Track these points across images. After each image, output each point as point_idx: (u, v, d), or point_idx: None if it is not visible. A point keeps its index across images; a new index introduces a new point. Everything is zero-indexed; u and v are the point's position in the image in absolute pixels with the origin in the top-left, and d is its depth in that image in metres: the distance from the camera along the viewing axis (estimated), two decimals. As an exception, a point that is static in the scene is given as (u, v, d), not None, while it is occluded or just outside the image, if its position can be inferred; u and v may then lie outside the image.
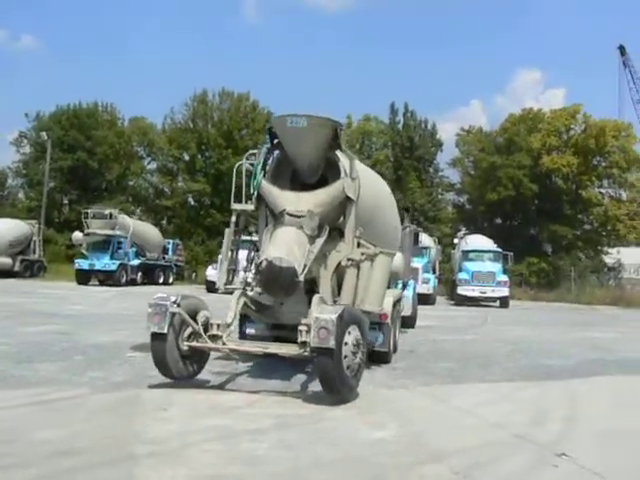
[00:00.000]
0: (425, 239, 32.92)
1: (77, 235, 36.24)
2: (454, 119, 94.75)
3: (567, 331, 18.65)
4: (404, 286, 15.11)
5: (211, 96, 52.85)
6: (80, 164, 51.49)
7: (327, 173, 9.47)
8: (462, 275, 31.67)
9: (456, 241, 37.07)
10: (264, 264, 8.60)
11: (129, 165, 55.39)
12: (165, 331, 8.00)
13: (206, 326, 8.37)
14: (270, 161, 9.64)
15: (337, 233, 9.48)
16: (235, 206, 9.95)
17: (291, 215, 8.98)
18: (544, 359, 12.26)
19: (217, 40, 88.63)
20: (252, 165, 9.67)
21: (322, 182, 9.37)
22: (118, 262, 34.84)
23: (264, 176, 9.48)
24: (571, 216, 49.35)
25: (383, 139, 54.70)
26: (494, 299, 31.30)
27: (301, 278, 8.49)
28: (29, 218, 42.30)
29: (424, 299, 27.28)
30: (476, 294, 30.88)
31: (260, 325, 10.23)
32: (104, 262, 34.49)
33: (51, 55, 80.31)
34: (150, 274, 38.14)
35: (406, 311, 15.18)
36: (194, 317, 8.31)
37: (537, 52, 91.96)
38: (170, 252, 41.60)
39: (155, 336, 8.09)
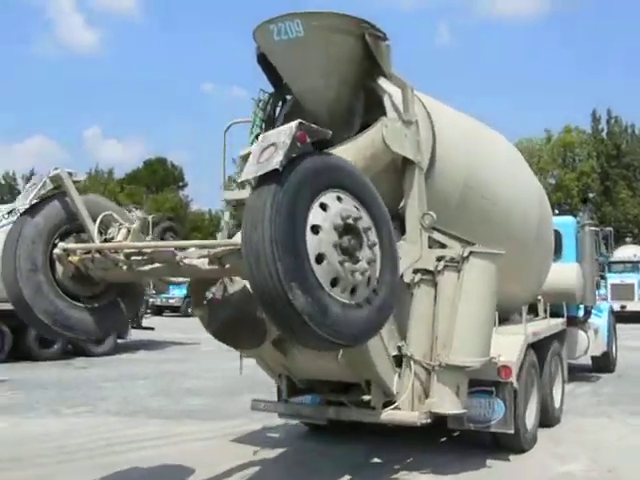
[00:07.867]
0: (640, 252, 30.56)
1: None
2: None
3: None
4: (587, 312, 11.15)
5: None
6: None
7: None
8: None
9: (678, 254, 33.73)
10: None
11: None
12: (27, 204, 4.77)
13: (111, 235, 4.92)
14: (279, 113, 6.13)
15: (397, 225, 5.55)
16: (226, 195, 6.26)
17: None
18: None
19: (413, 67, 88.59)
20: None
21: None
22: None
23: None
24: None
25: (586, 149, 51.64)
26: None
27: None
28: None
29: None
30: None
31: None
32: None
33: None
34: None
35: (595, 350, 11.39)
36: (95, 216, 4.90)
37: None
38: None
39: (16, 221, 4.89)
